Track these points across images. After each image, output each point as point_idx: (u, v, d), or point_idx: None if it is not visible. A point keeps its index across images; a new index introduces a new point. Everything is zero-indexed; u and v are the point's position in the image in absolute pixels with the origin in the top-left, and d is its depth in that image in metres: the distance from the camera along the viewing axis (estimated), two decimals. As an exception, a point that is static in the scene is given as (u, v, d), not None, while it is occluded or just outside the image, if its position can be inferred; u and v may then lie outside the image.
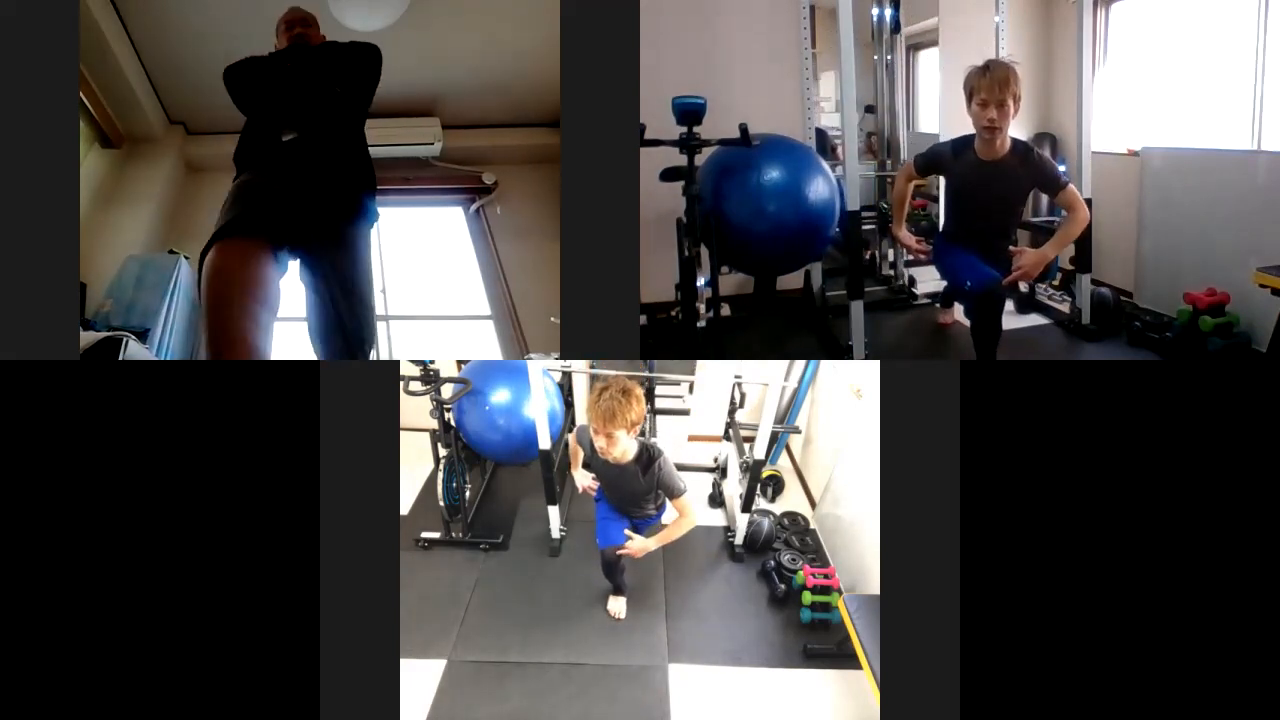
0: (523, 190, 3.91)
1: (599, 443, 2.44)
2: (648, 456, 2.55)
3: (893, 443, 2.03)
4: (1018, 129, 3.69)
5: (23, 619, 1.86)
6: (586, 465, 2.75)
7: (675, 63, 3.27)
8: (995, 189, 2.56)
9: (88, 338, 2.41)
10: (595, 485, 2.77)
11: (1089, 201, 3.16)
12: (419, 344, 3.65)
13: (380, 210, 3.38)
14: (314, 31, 2.51)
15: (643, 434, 2.73)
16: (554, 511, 3.29)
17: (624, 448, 2.46)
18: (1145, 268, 3.50)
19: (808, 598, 2.92)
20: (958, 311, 3.24)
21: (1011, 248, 2.71)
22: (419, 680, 2.55)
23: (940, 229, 3.05)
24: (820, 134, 3.40)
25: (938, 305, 3.48)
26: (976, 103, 2.40)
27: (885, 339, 3.26)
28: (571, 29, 2.19)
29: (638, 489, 2.62)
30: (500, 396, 3.30)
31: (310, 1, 3.22)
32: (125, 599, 1.88)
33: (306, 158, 2.13)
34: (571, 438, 2.85)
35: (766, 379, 3.39)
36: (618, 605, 2.94)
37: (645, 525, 2.76)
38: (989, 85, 2.36)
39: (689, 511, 2.64)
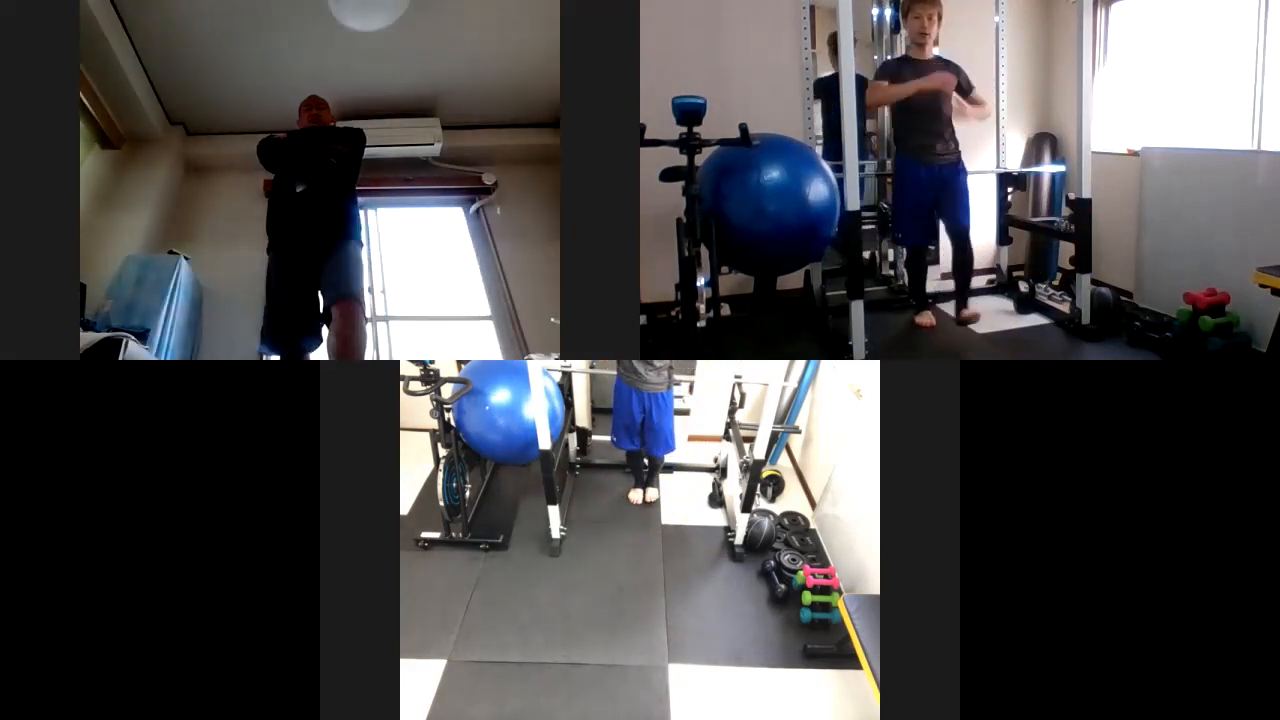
0: (523, 190, 3.91)
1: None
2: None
3: (893, 443, 2.03)
4: (1018, 128, 3.85)
5: (23, 618, 1.86)
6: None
7: (675, 62, 3.26)
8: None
9: (88, 338, 2.40)
10: None
11: (1089, 201, 3.17)
12: (419, 344, 3.65)
13: (380, 211, 3.69)
14: (326, 113, 3.26)
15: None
16: (554, 511, 3.30)
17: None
18: (1145, 268, 3.50)
19: (808, 598, 2.92)
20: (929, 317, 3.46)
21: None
22: (419, 680, 2.55)
23: (896, 147, 3.45)
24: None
25: (912, 302, 3.52)
26: (913, 16, 3.19)
27: (885, 339, 3.26)
28: (571, 29, 2.19)
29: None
30: (500, 396, 3.30)
31: (312, 1, 3.24)
32: (126, 598, 1.88)
33: (311, 200, 3.04)
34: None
35: (766, 379, 3.39)
36: (638, 495, 3.70)
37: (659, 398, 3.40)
38: (922, 3, 3.17)
39: None
